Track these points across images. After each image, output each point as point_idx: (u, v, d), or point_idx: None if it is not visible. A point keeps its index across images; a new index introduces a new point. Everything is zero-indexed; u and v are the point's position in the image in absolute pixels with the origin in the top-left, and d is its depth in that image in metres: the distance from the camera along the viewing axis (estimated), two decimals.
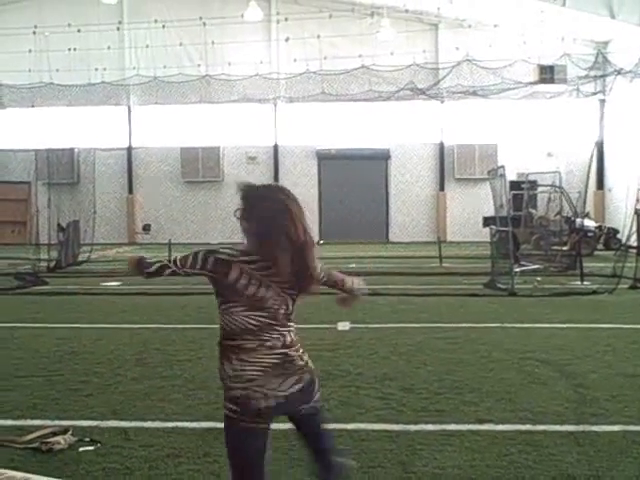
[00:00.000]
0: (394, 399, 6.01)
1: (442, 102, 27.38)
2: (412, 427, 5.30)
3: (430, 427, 5.30)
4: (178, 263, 3.09)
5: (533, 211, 20.60)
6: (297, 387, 3.06)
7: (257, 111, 28.09)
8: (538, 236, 19.41)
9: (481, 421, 5.39)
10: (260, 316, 3.01)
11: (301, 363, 3.09)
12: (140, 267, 3.19)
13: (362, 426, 5.33)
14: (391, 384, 6.47)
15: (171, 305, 11.47)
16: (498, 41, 26.07)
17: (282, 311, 3.06)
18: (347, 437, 5.02)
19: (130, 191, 28.78)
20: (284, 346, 3.06)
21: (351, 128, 27.57)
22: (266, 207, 3.05)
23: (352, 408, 5.78)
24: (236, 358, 3.00)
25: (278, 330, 3.05)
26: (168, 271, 3.11)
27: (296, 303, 3.14)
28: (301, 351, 3.13)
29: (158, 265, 3.14)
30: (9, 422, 5.46)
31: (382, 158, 28.25)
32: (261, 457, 3.04)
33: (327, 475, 3.31)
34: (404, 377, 6.73)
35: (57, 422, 5.33)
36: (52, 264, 17.50)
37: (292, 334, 3.11)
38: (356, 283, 3.43)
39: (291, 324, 3.12)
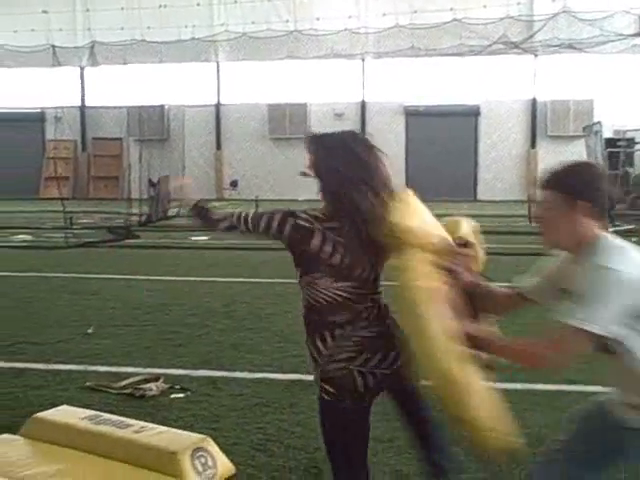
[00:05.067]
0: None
1: (536, 56, 26.46)
2: (498, 385, 5.20)
3: (518, 386, 5.20)
4: (250, 223, 2.77)
5: (630, 169, 19.83)
6: (398, 362, 2.76)
7: (345, 67, 27.85)
8: (634, 195, 18.70)
9: (570, 382, 5.26)
10: (350, 286, 2.70)
11: (398, 334, 2.75)
12: (197, 210, 2.92)
13: None
14: None
15: (258, 260, 11.60)
16: None
17: (372, 277, 2.76)
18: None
19: (218, 147, 29.15)
20: (379, 316, 2.77)
21: (440, 84, 27.02)
22: (336, 157, 2.72)
23: None
24: (330, 335, 2.71)
25: (371, 298, 2.76)
26: (225, 225, 2.83)
27: (383, 266, 2.82)
28: (393, 316, 2.81)
29: (221, 216, 2.84)
30: (104, 368, 5.66)
31: (471, 114, 27.63)
32: (365, 442, 2.78)
33: (440, 464, 2.96)
34: None
35: (149, 370, 5.50)
36: (143, 218, 17.95)
37: (382, 300, 2.82)
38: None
39: (380, 289, 2.82)
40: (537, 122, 27.33)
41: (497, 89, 27.05)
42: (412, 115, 27.91)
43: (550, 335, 2.44)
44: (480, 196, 27.46)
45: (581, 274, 2.43)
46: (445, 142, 27.49)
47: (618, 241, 2.51)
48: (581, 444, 2.65)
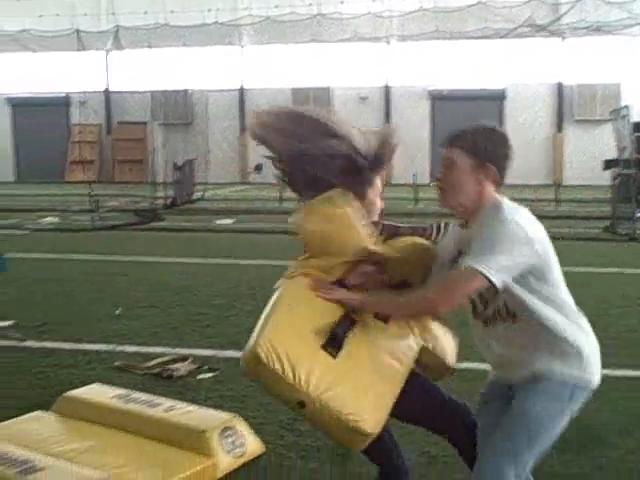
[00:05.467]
0: None
1: (563, 39, 26.13)
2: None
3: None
4: None
5: None
6: None
7: (368, 50, 27.69)
8: None
9: (602, 365, 5.22)
10: None
11: None
12: None
13: (470, 366, 5.26)
14: None
15: (285, 243, 11.60)
16: None
17: None
18: (458, 379, 4.98)
19: (242, 131, 29.15)
20: None
21: (465, 67, 26.78)
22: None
23: (463, 348, 5.71)
24: None
25: None
26: None
27: None
28: None
29: None
30: (132, 348, 5.71)
31: (497, 98, 27.38)
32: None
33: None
34: None
35: (177, 350, 5.54)
36: (168, 202, 18.04)
37: None
38: None
39: None
40: (563, 106, 27.05)
41: (523, 72, 26.77)
42: (437, 99, 27.72)
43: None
44: (506, 180, 27.18)
45: (478, 230, 2.41)
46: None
47: (516, 205, 2.50)
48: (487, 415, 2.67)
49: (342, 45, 27.41)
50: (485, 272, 2.29)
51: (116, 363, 5.30)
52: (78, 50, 28.83)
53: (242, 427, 3.71)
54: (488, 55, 26.54)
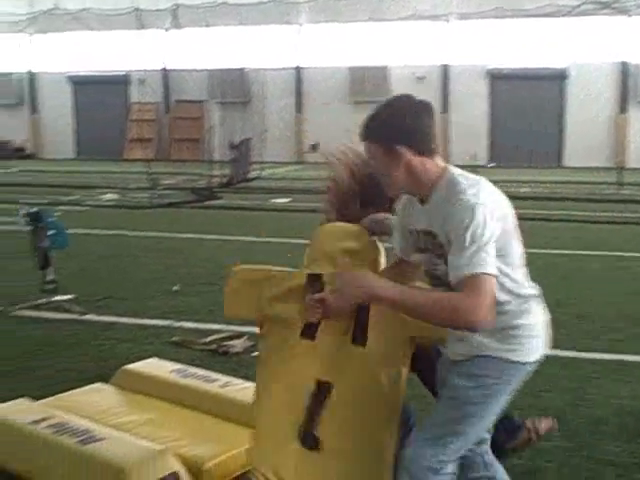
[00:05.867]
0: (567, 325, 5.79)
1: (630, 16, 25.33)
2: (586, 355, 5.11)
3: (605, 356, 5.09)
4: None
5: None
6: None
7: (427, 29, 27.32)
8: None
9: None
10: None
11: None
12: None
13: None
14: (564, 310, 6.23)
15: None
16: None
17: None
18: None
19: (298, 110, 29.14)
20: None
21: (525, 46, 26.23)
22: None
23: None
24: None
25: None
26: None
27: None
28: None
29: None
30: (189, 324, 5.79)
31: (558, 78, 26.75)
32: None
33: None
34: (579, 304, 6.48)
35: (233, 328, 5.58)
36: (225, 180, 18.16)
37: None
38: None
39: None
40: (628, 86, 26.29)
41: (586, 51, 26.08)
42: (496, 78, 27.24)
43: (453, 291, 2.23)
44: (566, 162, 26.67)
45: (436, 214, 2.30)
46: (530, 106, 26.73)
47: (466, 173, 2.35)
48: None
49: (400, 24, 27.10)
50: (485, 271, 2.17)
51: (173, 338, 5.37)
52: (137, 29, 29.12)
53: None
54: (549, 33, 25.91)
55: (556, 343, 5.27)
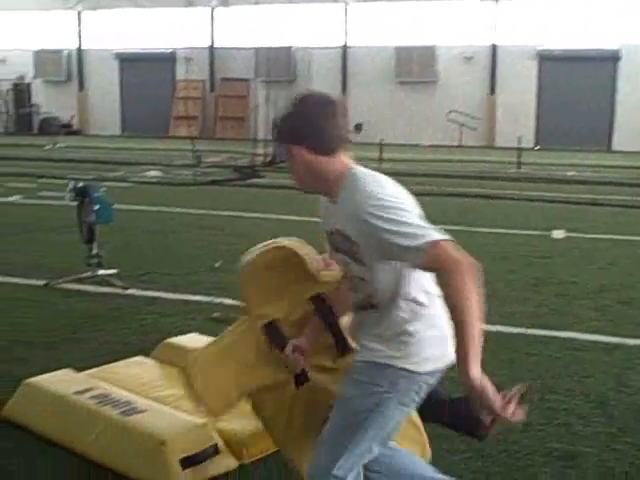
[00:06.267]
0: (611, 311, 5.72)
1: None
2: (629, 341, 5.03)
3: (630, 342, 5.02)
4: None
5: None
6: None
7: (476, 8, 26.91)
8: None
9: None
10: None
11: None
12: None
13: (576, 335, 5.14)
14: (608, 296, 6.15)
15: None
16: None
17: None
18: (560, 345, 4.88)
19: (343, 90, 29.00)
20: None
21: (577, 26, 25.67)
22: None
23: (566, 317, 5.58)
24: None
25: None
26: None
27: None
28: None
29: None
30: (230, 301, 5.80)
31: (610, 59, 26.13)
32: None
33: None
34: (622, 290, 6.37)
35: None
36: (268, 159, 18.18)
37: None
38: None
39: None
40: None
41: (639, 32, 25.41)
42: (546, 60, 26.74)
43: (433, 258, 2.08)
44: (615, 146, 26.10)
45: (345, 212, 2.26)
46: (580, 88, 26.19)
47: (370, 171, 2.31)
48: None
49: (449, 2, 26.74)
50: (432, 238, 2.08)
51: (214, 314, 5.42)
52: (185, 6, 29.22)
53: None
54: (601, 13, 25.30)
55: (599, 328, 5.27)
